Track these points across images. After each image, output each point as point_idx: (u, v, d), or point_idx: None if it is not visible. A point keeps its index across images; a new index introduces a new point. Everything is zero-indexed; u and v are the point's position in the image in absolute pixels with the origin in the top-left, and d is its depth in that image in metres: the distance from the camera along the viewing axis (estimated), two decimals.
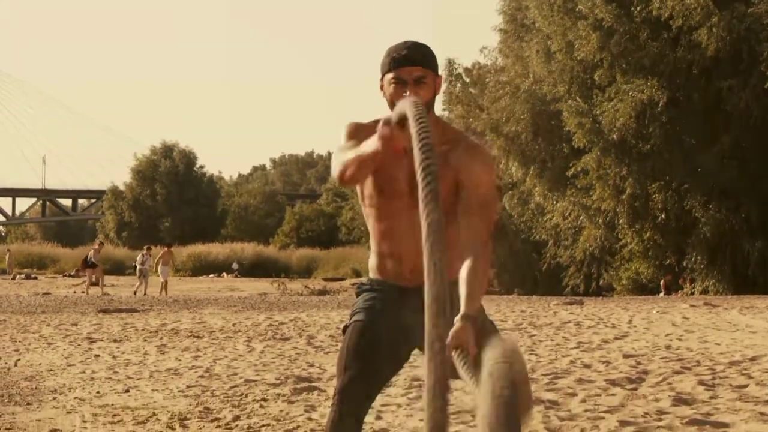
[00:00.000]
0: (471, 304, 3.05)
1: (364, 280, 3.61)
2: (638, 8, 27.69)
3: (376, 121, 3.40)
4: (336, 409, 3.26)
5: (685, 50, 27.28)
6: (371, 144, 3.04)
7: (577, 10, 28.80)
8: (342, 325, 3.49)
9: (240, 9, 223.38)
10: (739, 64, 26.67)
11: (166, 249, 31.18)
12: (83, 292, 28.78)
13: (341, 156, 3.24)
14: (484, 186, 3.28)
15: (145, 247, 32.63)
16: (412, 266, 3.26)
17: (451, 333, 2.94)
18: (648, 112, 27.15)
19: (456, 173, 3.28)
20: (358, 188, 3.45)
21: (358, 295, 3.54)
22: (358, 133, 3.33)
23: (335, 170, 3.26)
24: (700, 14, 26.24)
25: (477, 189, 3.27)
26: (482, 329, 3.24)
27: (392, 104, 3.31)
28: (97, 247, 31.70)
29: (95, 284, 30.03)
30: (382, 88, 3.36)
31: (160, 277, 29.59)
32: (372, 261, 3.51)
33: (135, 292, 28.55)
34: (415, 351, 3.33)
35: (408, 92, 3.26)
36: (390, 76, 3.31)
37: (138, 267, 30.49)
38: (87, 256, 30.99)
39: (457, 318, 3.00)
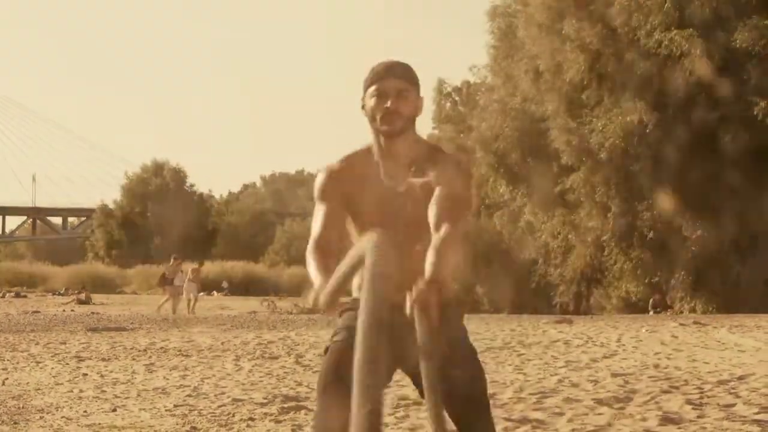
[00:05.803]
0: (435, 270, 2.96)
1: (346, 299, 3.57)
2: (624, 30, 27.84)
3: (353, 155, 3.40)
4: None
5: (671, 73, 27.43)
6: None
7: (564, 31, 28.94)
8: (324, 347, 3.45)
9: (229, 27, 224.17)
10: (725, 90, 26.84)
11: (196, 266, 30.11)
12: (190, 311, 27.88)
13: (308, 260, 3.19)
14: (456, 187, 3.24)
15: (176, 263, 30.90)
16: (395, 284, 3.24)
17: (414, 291, 2.87)
18: (636, 133, 27.24)
19: (432, 184, 3.26)
20: None
21: (339, 315, 3.49)
22: (331, 188, 3.34)
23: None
24: (685, 43, 26.43)
25: (447, 188, 3.22)
26: (461, 354, 3.23)
27: (373, 119, 3.31)
28: (172, 262, 30.37)
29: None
30: (363, 107, 3.35)
31: (183, 294, 28.61)
32: (355, 280, 3.48)
33: (174, 311, 27.86)
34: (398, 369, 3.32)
35: (389, 103, 3.26)
36: (372, 88, 3.30)
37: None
38: (164, 274, 29.97)
39: (421, 280, 2.90)
